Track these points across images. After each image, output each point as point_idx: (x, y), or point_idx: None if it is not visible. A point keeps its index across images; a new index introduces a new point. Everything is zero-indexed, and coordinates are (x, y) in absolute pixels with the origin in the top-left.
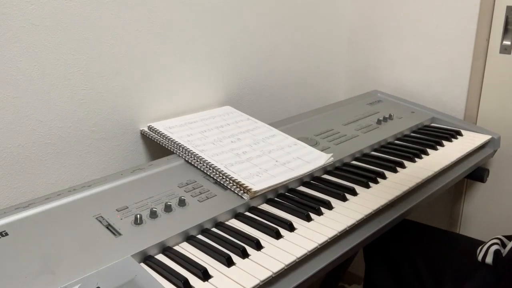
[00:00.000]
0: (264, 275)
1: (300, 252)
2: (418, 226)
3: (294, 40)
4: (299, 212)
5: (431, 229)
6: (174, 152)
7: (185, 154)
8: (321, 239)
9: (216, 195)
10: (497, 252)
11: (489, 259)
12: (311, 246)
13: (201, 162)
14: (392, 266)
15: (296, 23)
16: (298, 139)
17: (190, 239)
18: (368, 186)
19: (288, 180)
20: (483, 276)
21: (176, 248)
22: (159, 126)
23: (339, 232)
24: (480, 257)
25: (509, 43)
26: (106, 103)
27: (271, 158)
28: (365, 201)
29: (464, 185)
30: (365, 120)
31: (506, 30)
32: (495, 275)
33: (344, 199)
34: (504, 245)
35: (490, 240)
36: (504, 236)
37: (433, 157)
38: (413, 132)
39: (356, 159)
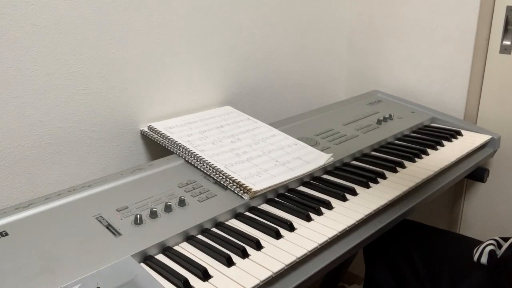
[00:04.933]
0: (264, 275)
1: (300, 252)
2: (418, 226)
3: (294, 40)
4: (299, 212)
5: (431, 229)
6: (174, 152)
7: (185, 154)
8: (321, 239)
9: (216, 195)
10: (491, 253)
11: (484, 259)
12: (311, 246)
13: (201, 162)
14: (392, 265)
15: (296, 23)
16: (298, 139)
17: (190, 239)
18: (368, 186)
19: (288, 180)
20: (478, 276)
21: (176, 248)
22: (159, 126)
23: (339, 232)
24: (475, 258)
25: (509, 43)
26: (106, 103)
27: (271, 158)
28: (365, 201)
29: (464, 185)
30: (365, 120)
31: (506, 30)
32: (489, 275)
33: (344, 199)
34: (500, 246)
35: (486, 241)
36: (501, 238)
37: (433, 157)
38: (413, 132)
39: (356, 159)
